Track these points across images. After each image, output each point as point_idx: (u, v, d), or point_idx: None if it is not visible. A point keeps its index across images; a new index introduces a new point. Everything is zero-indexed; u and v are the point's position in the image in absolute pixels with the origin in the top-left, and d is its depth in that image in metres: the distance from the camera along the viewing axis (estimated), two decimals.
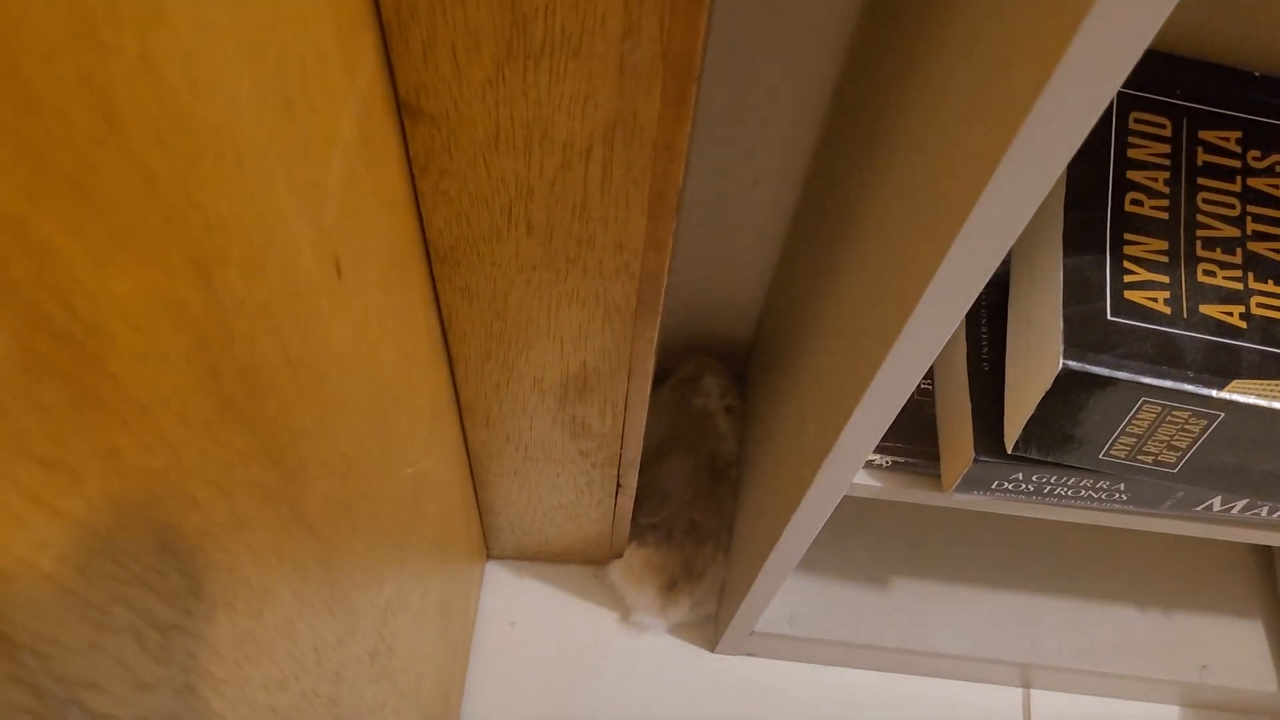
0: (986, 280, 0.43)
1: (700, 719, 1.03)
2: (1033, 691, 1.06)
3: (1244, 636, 1.01)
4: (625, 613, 1.06)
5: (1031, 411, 0.54)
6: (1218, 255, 0.54)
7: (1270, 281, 0.54)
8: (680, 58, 0.45)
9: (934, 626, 1.00)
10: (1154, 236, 0.54)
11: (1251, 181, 0.56)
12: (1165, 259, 0.54)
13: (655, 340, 0.67)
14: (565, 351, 0.69)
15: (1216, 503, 0.61)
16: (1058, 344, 0.51)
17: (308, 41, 0.36)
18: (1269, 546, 1.03)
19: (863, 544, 1.03)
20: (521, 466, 0.87)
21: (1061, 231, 0.54)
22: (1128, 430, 0.54)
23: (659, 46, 0.44)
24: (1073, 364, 0.51)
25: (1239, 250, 0.54)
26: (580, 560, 1.08)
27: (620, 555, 1.05)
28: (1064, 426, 0.54)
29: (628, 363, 0.70)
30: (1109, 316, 0.52)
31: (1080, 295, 0.53)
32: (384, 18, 0.44)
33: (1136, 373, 0.51)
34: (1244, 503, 0.61)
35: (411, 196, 0.54)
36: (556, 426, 0.79)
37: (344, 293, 0.44)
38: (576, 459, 0.84)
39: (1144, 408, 0.52)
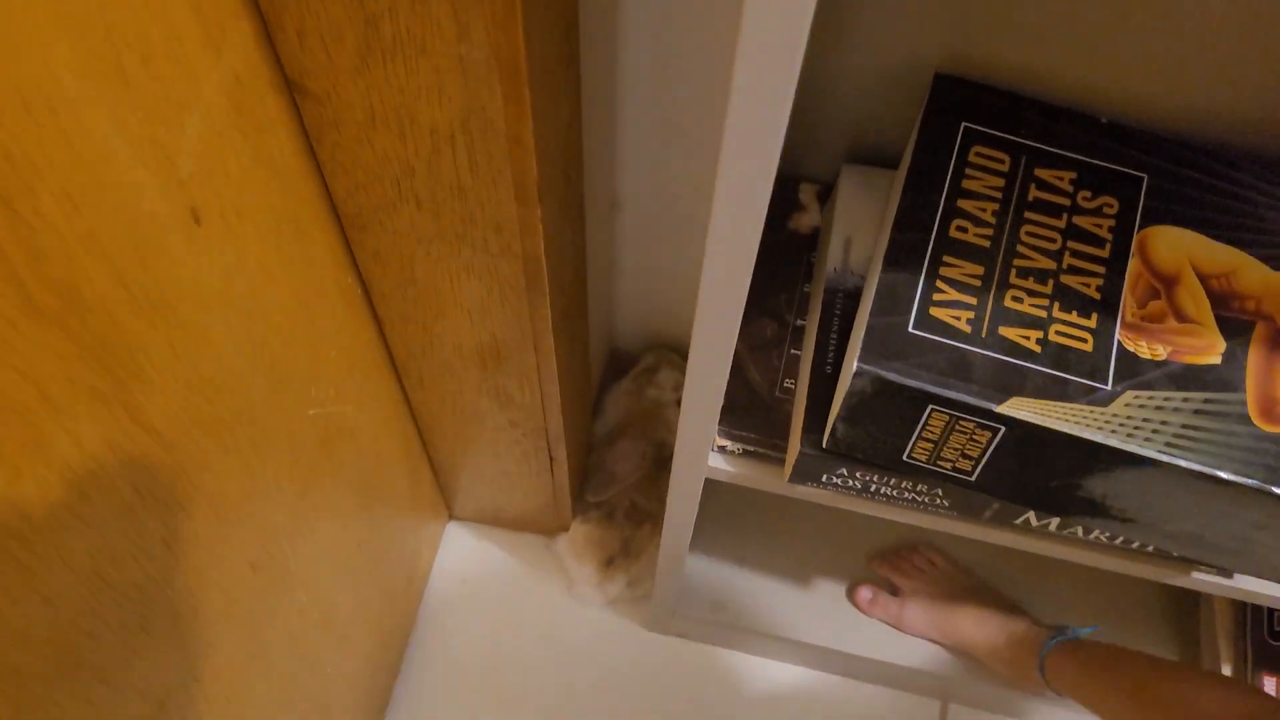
0: (739, 284, 0.49)
1: (625, 689, 1.09)
2: (950, 705, 1.09)
3: None
4: (568, 584, 1.12)
5: (839, 411, 0.59)
6: (1029, 284, 0.58)
7: (1074, 313, 0.58)
8: (509, 61, 0.52)
9: (857, 629, 1.03)
10: (971, 261, 0.59)
11: (1077, 219, 0.60)
12: (978, 282, 0.58)
13: (550, 321, 0.74)
14: (474, 322, 0.75)
15: (1032, 518, 0.65)
16: (858, 348, 0.56)
17: (152, 22, 0.43)
18: (1191, 591, 1.04)
19: (796, 545, 1.07)
20: (461, 430, 0.94)
21: (885, 249, 0.59)
22: (924, 436, 0.58)
23: (489, 50, 0.51)
24: (866, 368, 0.56)
25: (1051, 281, 0.59)
26: (533, 529, 1.15)
27: (567, 529, 1.11)
28: (867, 427, 0.59)
29: (532, 339, 0.76)
30: (910, 329, 0.57)
31: (888, 308, 0.57)
32: (261, 7, 0.51)
33: (925, 382, 0.56)
34: (1057, 521, 0.64)
35: (311, 164, 0.61)
36: (483, 395, 0.86)
37: (205, 237, 0.51)
38: (507, 428, 0.91)
39: (933, 415, 0.57)
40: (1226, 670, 0.96)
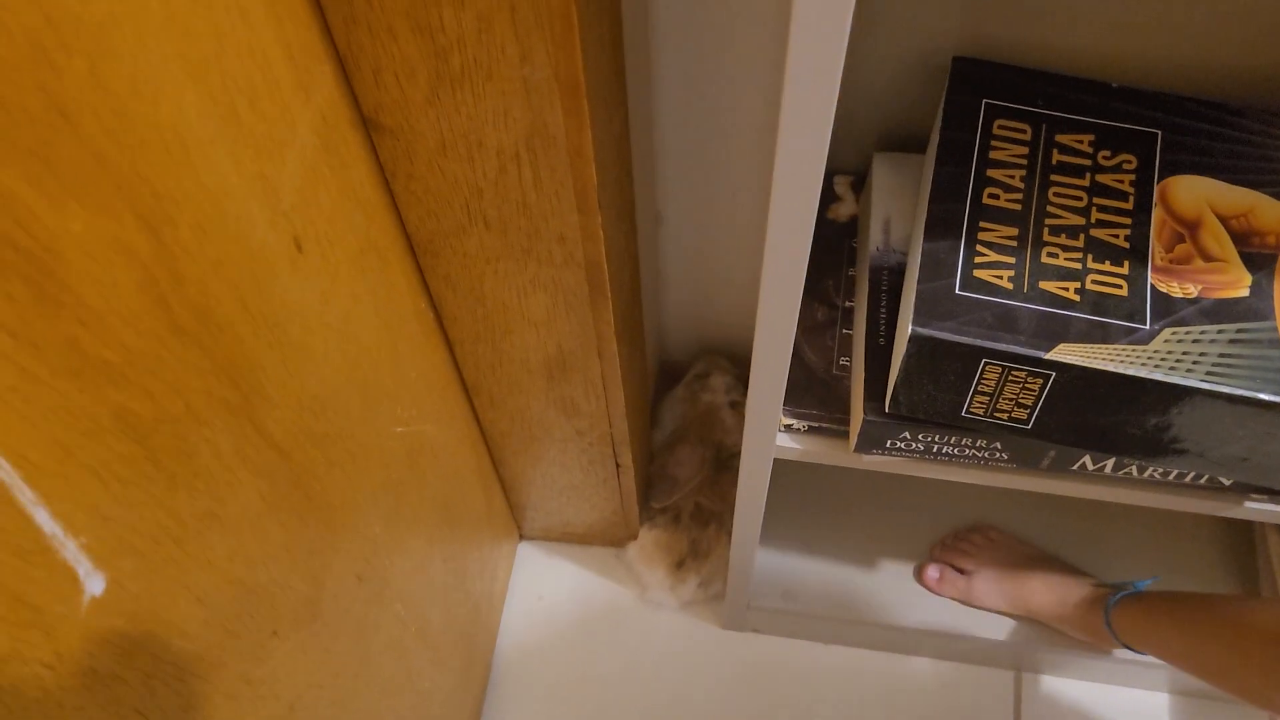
0: (798, 269, 0.53)
1: (707, 690, 1.12)
2: (1024, 675, 1.11)
3: None
4: (641, 590, 1.16)
5: (898, 375, 0.63)
6: (1062, 240, 0.63)
7: (1107, 262, 0.62)
8: (569, 78, 0.57)
9: (926, 606, 1.07)
10: (1006, 225, 0.63)
11: (1099, 177, 0.64)
12: (1014, 243, 0.62)
13: (613, 326, 0.79)
14: (540, 335, 0.80)
15: (1088, 461, 0.68)
16: (910, 314, 0.61)
17: (255, 68, 0.49)
18: (1248, 523, 1.07)
19: (860, 528, 1.11)
20: (529, 445, 0.99)
21: (925, 222, 0.63)
22: (979, 390, 0.62)
23: (550, 70, 0.56)
24: (920, 330, 0.60)
25: (1082, 236, 0.63)
26: (602, 541, 1.19)
27: (635, 537, 1.15)
28: (926, 387, 0.63)
29: (595, 345, 0.81)
30: (956, 291, 0.61)
31: (934, 274, 0.62)
32: (339, 51, 0.57)
33: (976, 337, 0.60)
34: (1112, 461, 0.68)
35: (387, 196, 0.67)
36: (550, 406, 0.91)
37: (306, 265, 0.57)
38: (574, 438, 0.96)
39: (987, 368, 0.61)
40: None
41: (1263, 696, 0.73)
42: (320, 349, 0.60)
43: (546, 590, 1.18)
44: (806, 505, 1.12)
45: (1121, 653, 0.99)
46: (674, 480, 1.13)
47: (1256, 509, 0.70)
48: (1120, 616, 0.91)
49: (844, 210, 0.80)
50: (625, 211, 0.78)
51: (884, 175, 0.75)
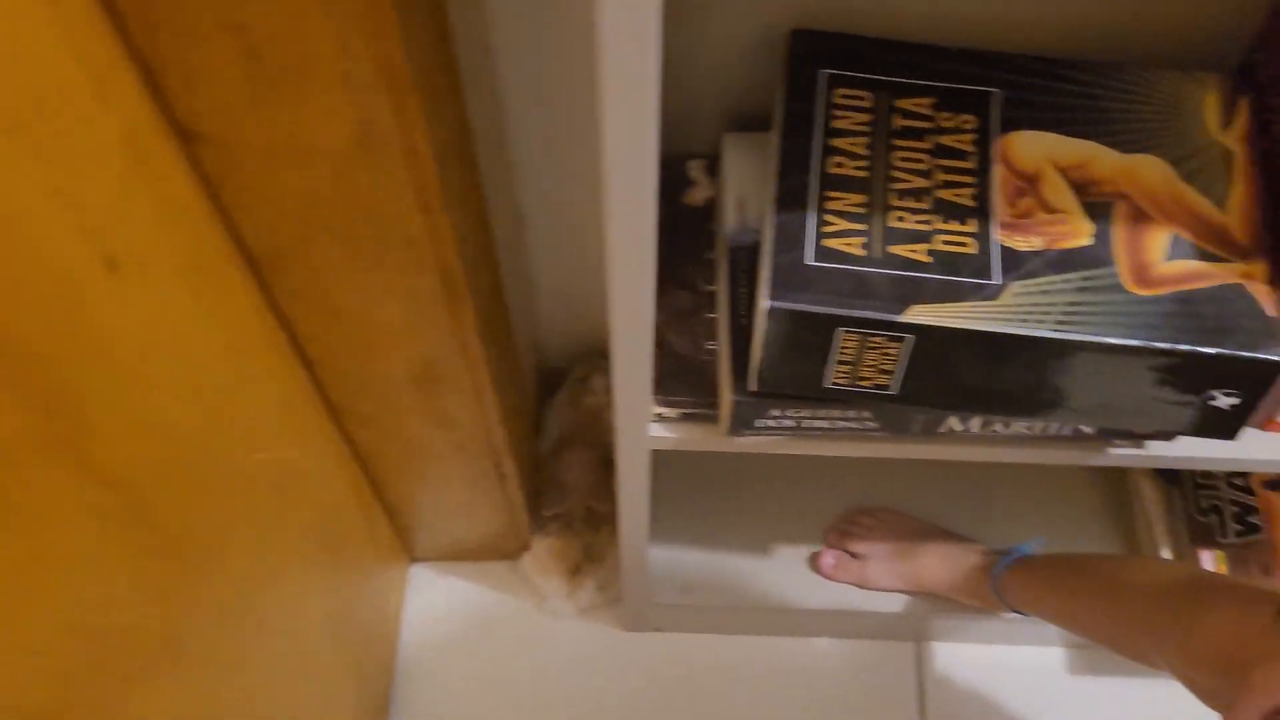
0: (645, 261, 0.52)
1: (614, 694, 1.10)
2: (924, 645, 1.12)
3: None
4: (539, 601, 1.14)
5: (759, 351, 0.63)
6: (909, 204, 0.63)
7: (954, 222, 0.62)
8: (392, 71, 0.55)
9: (823, 587, 1.07)
10: (853, 192, 0.63)
11: (941, 139, 0.65)
12: (863, 210, 0.62)
13: (477, 330, 0.76)
14: (402, 346, 0.78)
15: (955, 423, 0.69)
16: (764, 289, 0.60)
17: (41, 77, 0.46)
18: (1123, 476, 1.10)
19: (752, 512, 1.10)
20: (408, 464, 0.96)
21: (774, 196, 0.63)
22: (840, 359, 0.62)
23: (371, 64, 0.54)
24: (774, 304, 0.60)
25: (928, 198, 0.63)
26: (495, 556, 1.16)
27: (528, 548, 1.13)
28: (787, 361, 0.63)
29: (461, 352, 0.79)
30: (808, 262, 0.61)
31: (785, 247, 0.61)
32: (145, 57, 0.54)
33: (830, 305, 0.59)
34: (978, 420, 0.68)
35: (216, 209, 0.63)
36: (424, 421, 0.88)
37: (124, 285, 0.53)
38: (453, 453, 0.93)
39: (844, 336, 0.60)
40: (1165, 551, 1.01)
41: (1138, 651, 0.75)
42: (152, 374, 0.57)
43: (442, 610, 1.15)
44: (697, 497, 1.11)
45: (1012, 615, 1.00)
46: (563, 486, 1.11)
47: (1120, 454, 0.72)
48: (1007, 582, 0.92)
49: (700, 194, 0.79)
50: (477, 212, 0.76)
51: (735, 155, 0.75)
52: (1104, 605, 0.80)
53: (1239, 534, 1.00)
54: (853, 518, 1.09)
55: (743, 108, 0.77)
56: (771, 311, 0.60)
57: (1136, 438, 0.71)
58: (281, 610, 0.77)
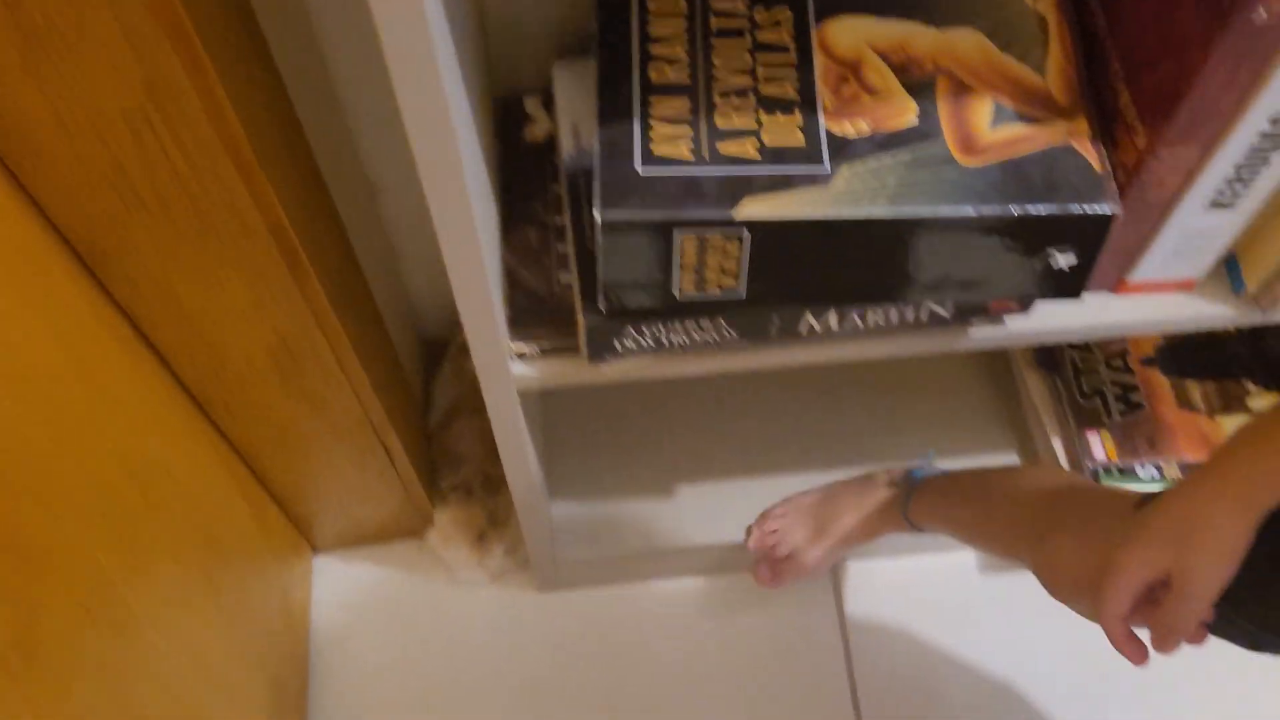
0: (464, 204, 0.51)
1: (535, 657, 1.09)
2: (840, 566, 1.13)
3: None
4: (449, 574, 1.12)
5: (603, 268, 0.62)
6: (734, 102, 0.62)
7: (780, 115, 0.62)
8: (170, 20, 0.52)
9: (730, 519, 1.06)
10: (676, 97, 0.62)
11: (759, 35, 0.64)
12: (688, 114, 0.62)
13: (327, 299, 0.74)
14: (253, 323, 0.75)
15: (812, 321, 0.69)
16: (597, 202, 0.59)
17: None
18: (1010, 375, 1.12)
19: (648, 455, 1.10)
20: (287, 451, 0.93)
21: (598, 111, 0.62)
22: (683, 265, 0.61)
23: (146, 11, 0.52)
24: (609, 215, 0.59)
25: (752, 95, 0.62)
26: (400, 535, 1.14)
27: (431, 522, 1.11)
28: (632, 274, 0.62)
29: (315, 325, 0.76)
30: (638, 170, 0.60)
31: (614, 159, 0.60)
32: None
33: (665, 210, 0.58)
34: (833, 315, 0.68)
35: (20, 192, 0.60)
36: (293, 403, 0.85)
37: None
38: (330, 432, 0.91)
39: (683, 241, 0.60)
40: (1055, 439, 1.03)
41: (1017, 562, 0.76)
42: None
43: (352, 598, 1.12)
44: (596, 450, 1.10)
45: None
46: (457, 456, 1.09)
47: (981, 336, 0.72)
48: (916, 509, 0.93)
49: (540, 130, 0.78)
50: (309, 177, 0.73)
51: (565, 83, 0.74)
52: (983, 522, 0.82)
53: (1122, 413, 1.03)
54: (762, 524, 1.05)
55: (568, 36, 0.76)
56: (605, 224, 0.59)
57: (991, 314, 0.71)
58: (159, 607, 0.74)
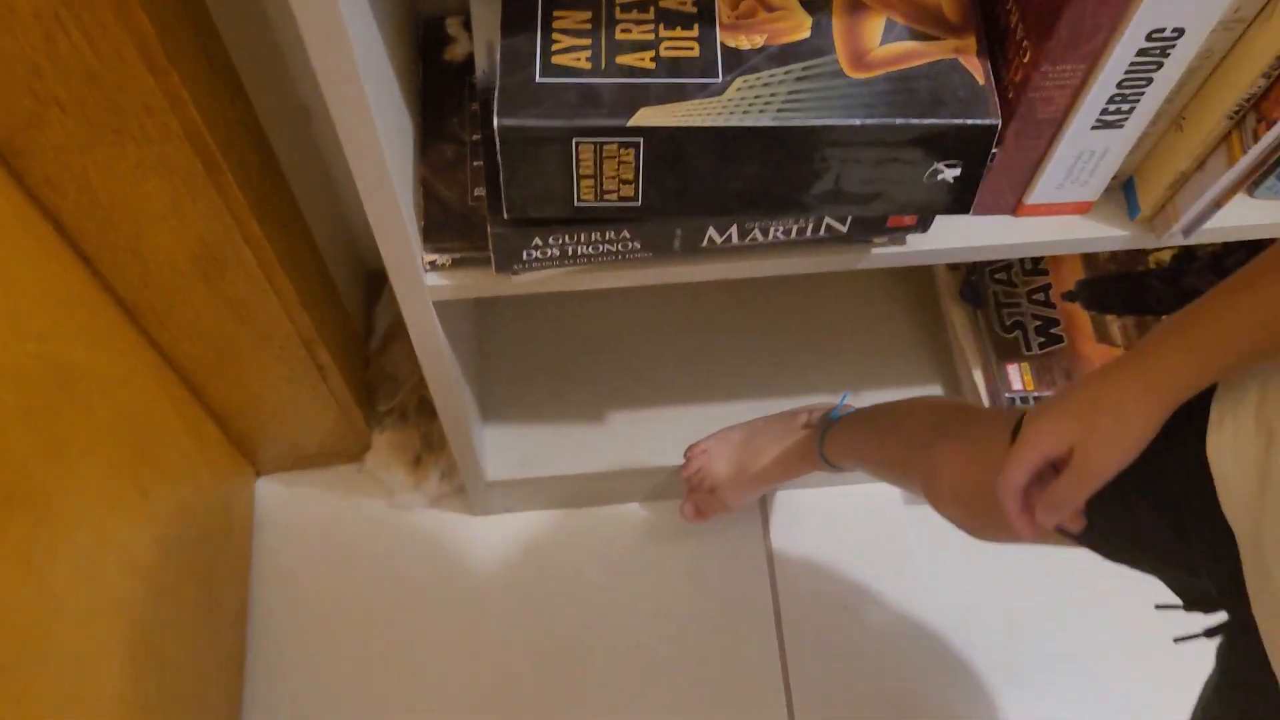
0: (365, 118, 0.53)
1: (470, 580, 1.12)
2: (768, 495, 1.16)
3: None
4: (387, 496, 1.14)
5: (504, 176, 0.64)
6: (634, 16, 0.64)
7: (678, 28, 0.63)
8: None
9: (661, 445, 1.09)
10: (578, 10, 0.64)
11: None
12: (588, 26, 0.63)
13: (248, 206, 0.76)
14: (174, 228, 0.77)
15: (714, 233, 0.71)
16: (495, 110, 0.61)
17: None
18: (938, 306, 1.15)
19: (580, 380, 1.12)
20: (219, 363, 0.95)
21: (500, 23, 0.64)
22: (581, 174, 0.63)
23: None
24: (506, 121, 0.60)
25: (651, 9, 0.64)
26: (341, 460, 1.17)
27: (370, 447, 1.13)
28: (532, 182, 0.64)
29: (237, 231, 0.78)
30: (537, 80, 0.61)
31: (514, 69, 0.62)
32: None
33: (561, 118, 0.60)
34: (734, 228, 0.71)
35: None
36: (220, 312, 0.87)
37: None
38: (261, 344, 0.93)
39: (580, 148, 0.62)
40: (977, 371, 1.06)
41: (910, 488, 0.79)
42: None
43: (293, 520, 1.15)
44: (528, 376, 1.13)
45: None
46: (394, 379, 1.12)
47: (882, 253, 0.75)
48: (830, 446, 0.96)
49: (460, 50, 0.79)
50: (222, 76, 0.74)
51: (482, 3, 0.75)
52: (884, 449, 0.84)
53: (1042, 346, 1.06)
54: (689, 457, 1.08)
55: None
56: (503, 130, 0.61)
57: (892, 232, 0.73)
58: (84, 504, 0.77)
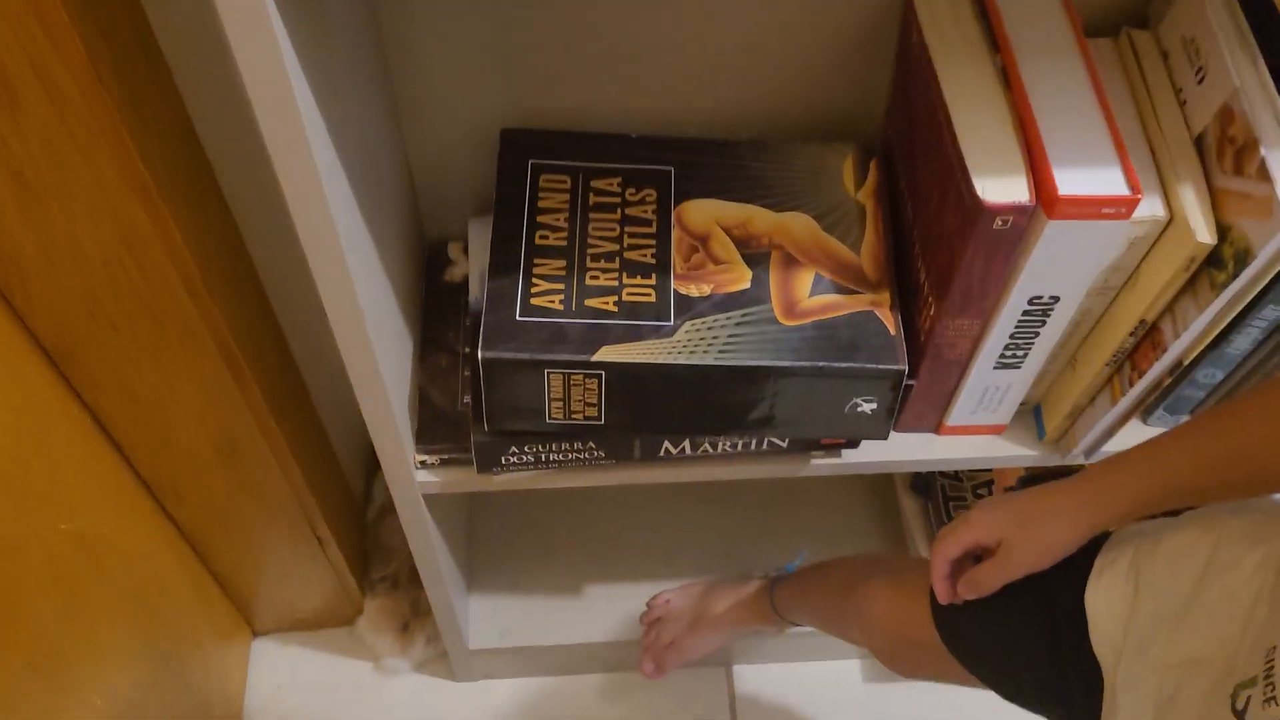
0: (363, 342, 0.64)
1: None
2: (734, 668, 1.23)
3: None
4: (375, 660, 1.22)
5: (486, 396, 0.75)
6: (602, 265, 0.76)
7: (638, 277, 0.75)
8: (136, 181, 0.66)
9: (632, 619, 1.17)
10: (555, 259, 0.76)
11: (629, 210, 0.78)
12: (563, 272, 0.75)
13: (266, 403, 0.87)
14: (201, 423, 0.87)
15: (669, 445, 0.81)
16: (480, 342, 0.72)
17: None
18: (892, 491, 1.24)
19: (563, 557, 1.21)
20: (228, 535, 1.04)
21: (488, 266, 0.75)
22: (552, 397, 0.74)
23: (119, 175, 0.65)
24: (487, 354, 0.72)
25: (617, 259, 0.76)
26: (334, 622, 1.24)
27: (362, 611, 1.21)
28: (511, 402, 0.75)
29: (255, 423, 0.89)
30: (517, 318, 0.73)
31: (498, 307, 0.73)
32: None
33: (534, 352, 0.71)
34: (687, 441, 0.81)
35: (8, 310, 0.73)
36: (235, 491, 0.97)
37: None
38: (268, 519, 1.02)
39: (551, 377, 0.73)
40: (925, 555, 1.14)
41: (848, 638, 0.88)
42: None
43: (285, 679, 1.22)
44: (513, 551, 1.21)
45: (795, 630, 1.11)
46: (388, 549, 1.20)
47: (820, 464, 0.85)
48: (779, 596, 1.04)
49: (459, 271, 0.91)
50: (253, 298, 0.86)
51: (478, 236, 0.87)
52: (820, 595, 0.93)
53: None
54: (646, 618, 1.16)
55: (483, 194, 0.90)
56: (485, 361, 0.72)
57: (827, 448, 0.84)
58: (100, 669, 0.85)
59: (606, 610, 1.19)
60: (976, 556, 0.73)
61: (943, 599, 0.74)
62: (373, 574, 1.21)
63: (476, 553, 1.21)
